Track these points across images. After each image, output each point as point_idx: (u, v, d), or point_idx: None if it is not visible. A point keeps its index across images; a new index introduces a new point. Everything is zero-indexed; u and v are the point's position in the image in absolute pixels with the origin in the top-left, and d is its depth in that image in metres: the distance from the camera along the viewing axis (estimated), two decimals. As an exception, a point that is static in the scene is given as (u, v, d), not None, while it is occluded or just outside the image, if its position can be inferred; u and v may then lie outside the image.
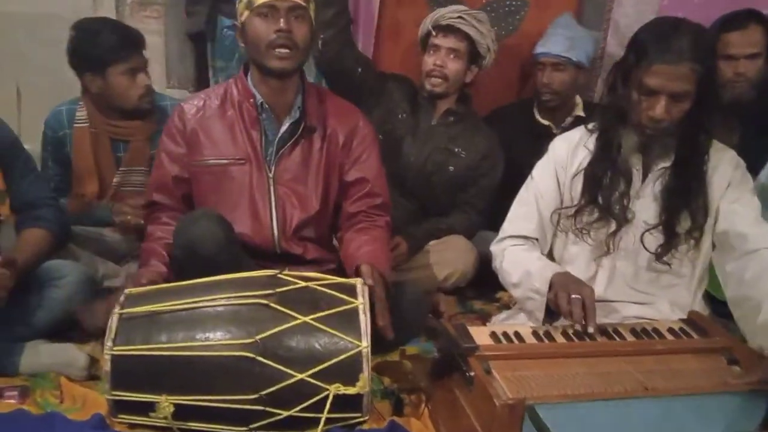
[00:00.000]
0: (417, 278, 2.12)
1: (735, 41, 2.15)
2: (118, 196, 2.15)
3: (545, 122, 2.49)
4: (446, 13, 2.24)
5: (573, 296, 1.44)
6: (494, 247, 1.78)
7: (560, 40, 2.38)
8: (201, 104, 1.79)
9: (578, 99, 2.50)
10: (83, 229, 2.09)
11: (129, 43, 2.05)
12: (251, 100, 1.74)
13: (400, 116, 2.31)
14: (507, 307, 1.99)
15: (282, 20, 1.64)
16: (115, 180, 2.14)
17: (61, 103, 2.17)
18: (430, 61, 2.25)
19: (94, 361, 1.64)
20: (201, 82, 2.65)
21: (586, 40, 2.44)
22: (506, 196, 1.92)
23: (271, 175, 1.76)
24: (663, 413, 1.20)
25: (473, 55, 2.27)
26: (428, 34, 2.28)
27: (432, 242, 2.26)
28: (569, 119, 2.47)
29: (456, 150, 2.30)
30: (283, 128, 1.76)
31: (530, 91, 2.62)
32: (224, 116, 1.76)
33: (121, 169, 2.14)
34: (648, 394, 1.24)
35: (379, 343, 1.67)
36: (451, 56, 2.23)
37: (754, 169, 1.94)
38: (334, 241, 1.94)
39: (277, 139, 1.76)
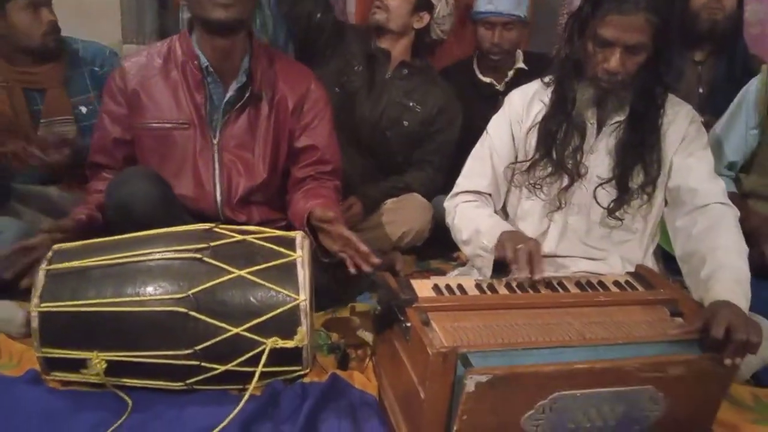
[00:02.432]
0: (372, 237, 2.09)
1: None
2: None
3: (487, 80, 2.46)
4: None
5: (518, 246, 1.43)
6: (448, 203, 1.76)
7: None
8: (143, 62, 1.71)
9: (518, 52, 2.46)
10: (26, 187, 2.02)
11: None
12: (195, 62, 1.66)
13: (356, 68, 2.26)
14: (463, 265, 1.97)
15: None
16: (39, 133, 2.02)
17: None
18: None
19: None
20: (166, 34, 2.52)
21: None
22: (455, 155, 1.89)
23: (215, 141, 1.70)
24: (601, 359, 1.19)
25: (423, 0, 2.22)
26: None
27: (387, 201, 2.23)
28: (510, 73, 2.44)
29: (411, 104, 2.26)
30: (230, 93, 1.68)
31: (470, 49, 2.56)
32: (167, 77, 1.68)
33: (42, 120, 2.03)
34: (585, 343, 1.22)
35: (328, 298, 1.67)
36: None
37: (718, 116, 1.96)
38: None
39: (222, 104, 1.69)
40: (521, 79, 2.31)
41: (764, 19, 2.61)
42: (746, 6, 2.50)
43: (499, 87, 2.43)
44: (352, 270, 1.46)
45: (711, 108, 2.07)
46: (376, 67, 2.27)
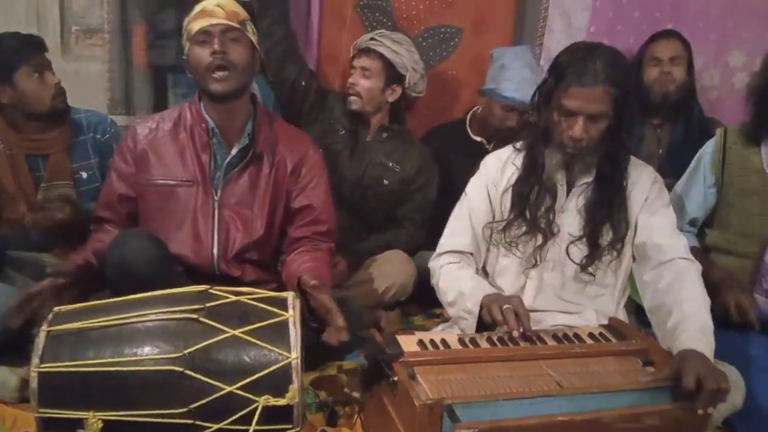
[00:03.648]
0: (357, 293, 2.17)
1: (660, 47, 2.45)
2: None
3: (478, 139, 2.59)
4: (364, 37, 2.42)
5: (504, 306, 1.51)
6: (432, 264, 1.84)
7: (531, 87, 2.35)
8: (154, 126, 1.84)
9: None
10: (20, 254, 2.06)
11: (29, 44, 2.03)
12: (203, 124, 1.79)
13: (340, 131, 2.40)
14: (446, 321, 2.04)
15: (216, 42, 1.70)
16: (39, 196, 2.10)
17: None
18: (348, 81, 2.40)
19: (26, 384, 1.60)
20: (159, 108, 2.66)
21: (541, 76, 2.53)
22: (443, 212, 1.99)
23: (216, 198, 1.80)
24: (576, 409, 1.25)
25: (392, 75, 2.37)
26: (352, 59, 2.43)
27: (371, 258, 2.31)
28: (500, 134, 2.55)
29: (390, 165, 2.40)
30: (232, 153, 1.80)
31: (464, 110, 2.71)
32: (176, 139, 1.81)
33: (42, 184, 2.10)
34: (563, 393, 1.29)
35: (316, 357, 1.72)
36: (365, 74, 2.36)
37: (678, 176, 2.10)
38: (279, 266, 1.96)
39: (225, 163, 1.80)
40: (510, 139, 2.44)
41: (720, 85, 2.80)
42: (704, 72, 2.71)
43: (489, 147, 2.56)
44: (330, 341, 1.50)
45: (671, 168, 2.21)
46: (358, 130, 2.42)
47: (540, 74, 2.46)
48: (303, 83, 2.40)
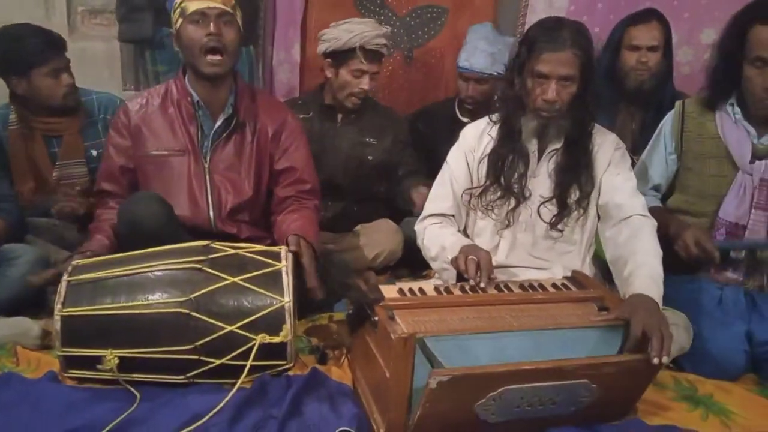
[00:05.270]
0: (348, 259, 2.34)
1: (639, 34, 2.47)
2: (60, 189, 2.28)
3: (465, 119, 2.72)
4: (372, 39, 2.38)
5: (469, 257, 1.68)
6: (418, 226, 2.00)
7: (483, 56, 2.59)
8: (144, 102, 2.00)
9: (496, 97, 2.72)
10: (37, 220, 2.25)
11: (51, 46, 2.18)
12: (188, 98, 1.95)
13: (313, 125, 2.48)
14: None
15: (212, 24, 1.85)
16: (54, 174, 2.27)
17: None
18: (354, 82, 2.42)
19: (46, 333, 1.80)
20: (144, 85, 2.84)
21: (504, 51, 2.64)
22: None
23: (206, 165, 1.96)
24: (535, 343, 1.44)
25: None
26: (350, 51, 2.39)
27: (361, 225, 2.49)
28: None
29: (368, 140, 2.53)
30: (217, 124, 1.96)
31: (453, 89, 2.86)
32: (165, 113, 1.97)
33: (57, 163, 2.27)
34: (521, 328, 1.47)
35: (309, 307, 1.90)
36: (374, 77, 2.45)
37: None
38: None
39: (211, 133, 1.96)
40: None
41: (693, 61, 2.93)
42: (677, 49, 2.84)
43: None
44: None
45: (644, 145, 2.35)
46: (326, 122, 2.52)
47: (500, 45, 2.62)
48: None
